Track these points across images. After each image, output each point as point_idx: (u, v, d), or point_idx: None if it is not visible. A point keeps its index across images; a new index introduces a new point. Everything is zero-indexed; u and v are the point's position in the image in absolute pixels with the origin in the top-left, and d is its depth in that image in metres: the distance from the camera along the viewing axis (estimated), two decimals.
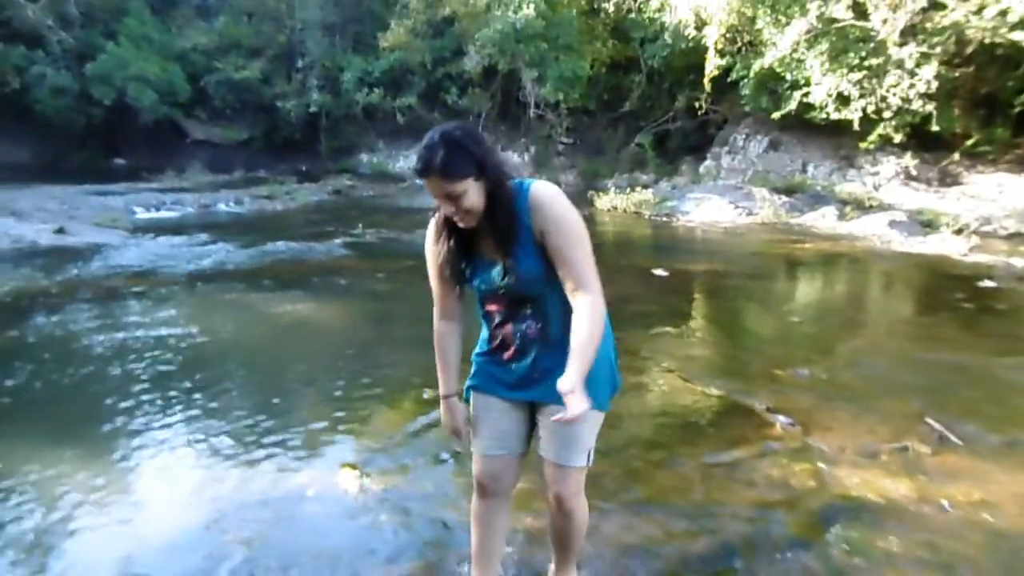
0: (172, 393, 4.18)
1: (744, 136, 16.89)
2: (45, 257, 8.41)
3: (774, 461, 3.29)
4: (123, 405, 4.00)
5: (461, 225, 1.84)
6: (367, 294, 6.97)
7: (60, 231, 9.85)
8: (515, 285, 1.88)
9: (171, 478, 3.21)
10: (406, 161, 21.08)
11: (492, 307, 1.98)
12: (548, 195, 1.82)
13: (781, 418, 3.73)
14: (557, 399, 1.92)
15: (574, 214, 1.83)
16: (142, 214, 12.46)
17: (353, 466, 3.26)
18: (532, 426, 2.08)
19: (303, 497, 3.02)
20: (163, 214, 12.77)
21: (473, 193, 1.76)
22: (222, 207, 13.77)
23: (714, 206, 13.06)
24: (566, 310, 1.87)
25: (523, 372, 1.95)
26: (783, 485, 3.08)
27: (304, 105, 22.59)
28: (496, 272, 1.89)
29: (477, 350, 2.08)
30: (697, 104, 16.95)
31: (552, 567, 2.27)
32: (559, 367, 1.86)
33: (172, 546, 2.66)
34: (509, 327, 1.95)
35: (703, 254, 9.76)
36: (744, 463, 3.28)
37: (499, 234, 1.83)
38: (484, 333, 2.05)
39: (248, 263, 8.30)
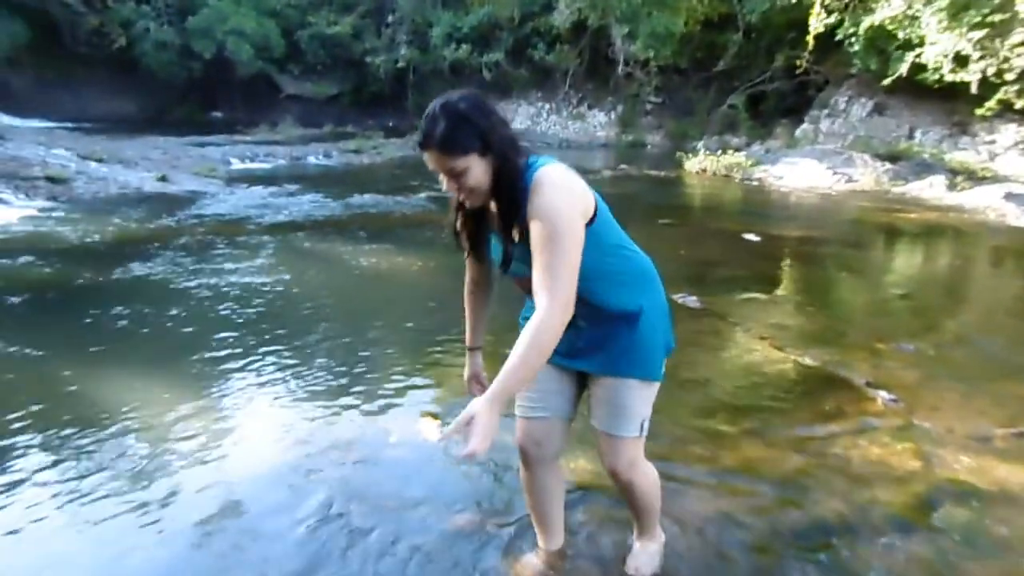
0: (263, 338, 4.30)
1: (846, 99, 15.97)
2: (149, 203, 8.81)
3: (874, 438, 3.10)
4: (217, 348, 4.14)
5: (466, 204, 1.71)
6: (450, 248, 6.97)
7: (162, 179, 10.29)
8: (518, 272, 1.74)
9: (261, 417, 3.31)
10: None
11: (520, 284, 1.82)
12: (546, 181, 1.61)
13: (882, 394, 3.51)
14: (605, 370, 1.87)
15: (565, 207, 1.60)
16: (237, 165, 12.87)
17: (434, 415, 3.27)
18: (580, 391, 1.99)
19: (385, 443, 3.05)
20: (256, 165, 13.16)
21: (477, 170, 1.61)
22: (312, 160, 14.09)
23: (810, 171, 12.44)
24: (608, 280, 1.78)
25: (568, 342, 1.69)
26: (884, 464, 2.90)
27: (392, 60, 22.74)
28: (500, 255, 1.77)
29: (524, 312, 1.95)
30: (797, 64, 16.08)
31: (635, 530, 2.21)
32: (606, 337, 1.83)
33: (262, 480, 2.74)
34: None
35: (797, 220, 9.31)
36: (840, 438, 3.10)
37: (500, 217, 1.70)
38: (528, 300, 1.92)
39: (336, 214, 8.45)
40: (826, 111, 16.24)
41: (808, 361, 3.99)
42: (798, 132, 16.35)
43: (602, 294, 1.78)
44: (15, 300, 4.91)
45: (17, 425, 3.12)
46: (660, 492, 2.11)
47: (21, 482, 2.70)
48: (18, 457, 2.87)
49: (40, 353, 3.95)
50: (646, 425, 1.93)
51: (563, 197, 1.61)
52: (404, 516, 2.49)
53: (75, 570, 2.23)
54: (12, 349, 3.97)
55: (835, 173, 12.24)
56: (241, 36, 21.83)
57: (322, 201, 9.25)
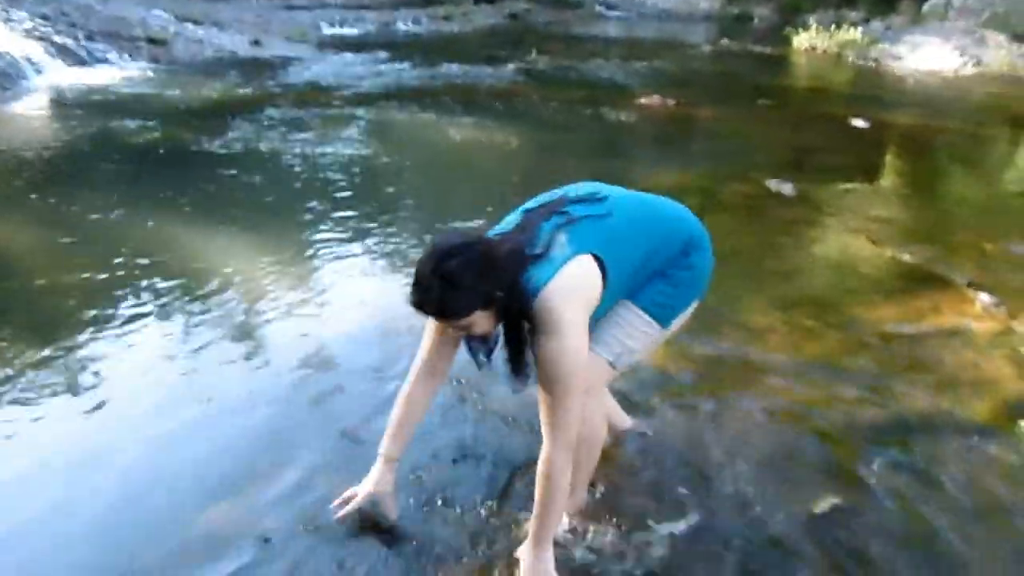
0: (350, 208, 4.42)
1: None
2: (243, 67, 8.92)
3: (967, 341, 2.98)
4: (307, 215, 4.29)
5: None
6: (537, 122, 6.84)
7: (256, 43, 10.36)
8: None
9: (348, 283, 3.46)
10: None
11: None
12: (551, 323, 1.51)
13: (983, 296, 3.34)
14: None
15: (570, 353, 1.52)
16: (327, 30, 12.76)
17: None
18: None
19: None
20: (346, 31, 13.01)
21: (480, 320, 1.53)
22: (401, 26, 13.81)
23: (934, 52, 11.32)
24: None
25: None
26: (974, 367, 2.80)
27: None
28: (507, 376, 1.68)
29: None
30: None
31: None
32: None
33: (353, 341, 2.90)
34: None
35: (914, 105, 8.60)
36: (932, 338, 3.00)
37: (509, 352, 1.63)
38: None
39: (424, 83, 8.36)
40: None
41: (906, 257, 3.81)
42: (926, 7, 14.75)
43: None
44: (120, 161, 5.19)
45: (123, 279, 3.37)
46: (595, 461, 1.89)
47: (130, 332, 2.96)
48: (126, 308, 3.13)
49: (142, 212, 4.19)
50: (624, 362, 1.78)
51: (567, 342, 1.52)
52: (483, 383, 2.60)
53: (177, 412, 2.46)
54: (117, 209, 4.22)
55: (962, 55, 11.10)
56: None
57: (410, 69, 9.14)
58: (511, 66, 9.60)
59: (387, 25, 13.69)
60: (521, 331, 1.59)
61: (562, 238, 1.60)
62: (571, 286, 1.54)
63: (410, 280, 1.51)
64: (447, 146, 5.95)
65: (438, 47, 11.45)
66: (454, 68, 9.25)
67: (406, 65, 9.37)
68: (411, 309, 1.50)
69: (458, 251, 1.48)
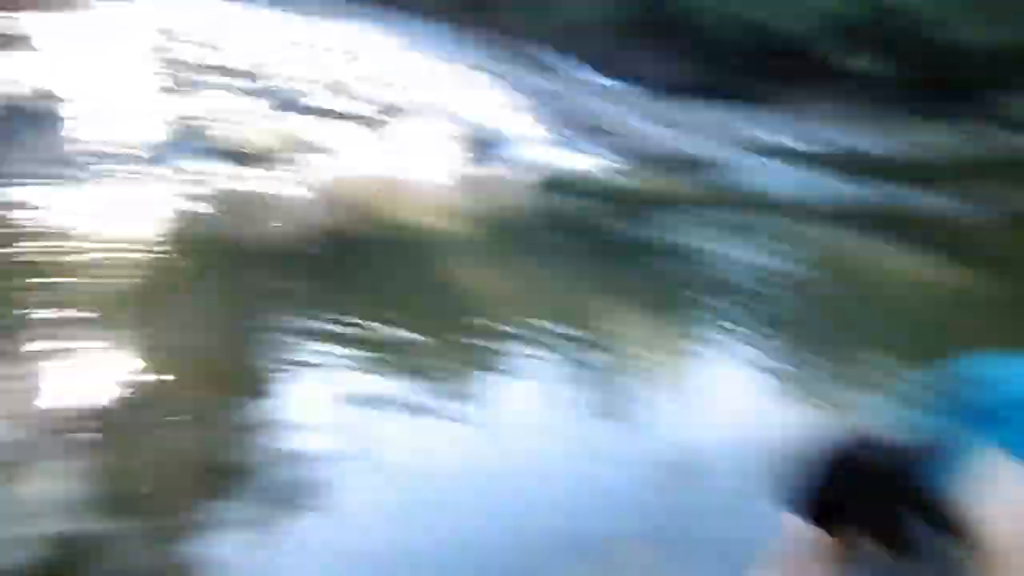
0: (752, 313, 4.47)
1: None
2: (684, 165, 9.56)
3: None
4: (713, 313, 4.42)
5: None
6: (996, 264, 5.84)
7: (696, 144, 11.06)
8: None
9: (735, 388, 3.50)
10: None
11: None
12: (963, 529, 1.21)
13: None
14: None
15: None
16: (767, 139, 12.92)
17: None
18: None
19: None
20: (788, 142, 13.01)
21: (868, 532, 1.33)
22: (852, 142, 13.32)
23: None
24: None
25: None
26: None
27: (976, 40, 19.55)
28: None
29: None
30: None
31: None
32: None
33: (731, 449, 2.84)
34: None
35: None
36: None
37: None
38: None
39: (870, 206, 7.90)
40: None
41: None
42: None
43: None
44: (562, 233, 6.03)
45: (534, 339, 3.84)
46: None
47: (525, 388, 3.38)
48: (506, 357, 3.60)
49: (564, 280, 4.83)
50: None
51: (997, 553, 1.21)
52: None
53: (549, 466, 2.71)
54: (549, 274, 4.88)
55: None
56: (794, 4, 21.39)
57: (858, 189, 8.68)
58: (988, 202, 8.42)
59: (838, 141, 13.35)
60: (916, 539, 1.35)
61: (965, 430, 1.35)
62: (985, 484, 1.29)
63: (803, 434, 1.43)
64: (878, 275, 5.52)
65: (899, 170, 10.69)
66: (913, 194, 8.51)
67: (853, 183, 8.93)
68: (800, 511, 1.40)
69: (857, 454, 1.37)
